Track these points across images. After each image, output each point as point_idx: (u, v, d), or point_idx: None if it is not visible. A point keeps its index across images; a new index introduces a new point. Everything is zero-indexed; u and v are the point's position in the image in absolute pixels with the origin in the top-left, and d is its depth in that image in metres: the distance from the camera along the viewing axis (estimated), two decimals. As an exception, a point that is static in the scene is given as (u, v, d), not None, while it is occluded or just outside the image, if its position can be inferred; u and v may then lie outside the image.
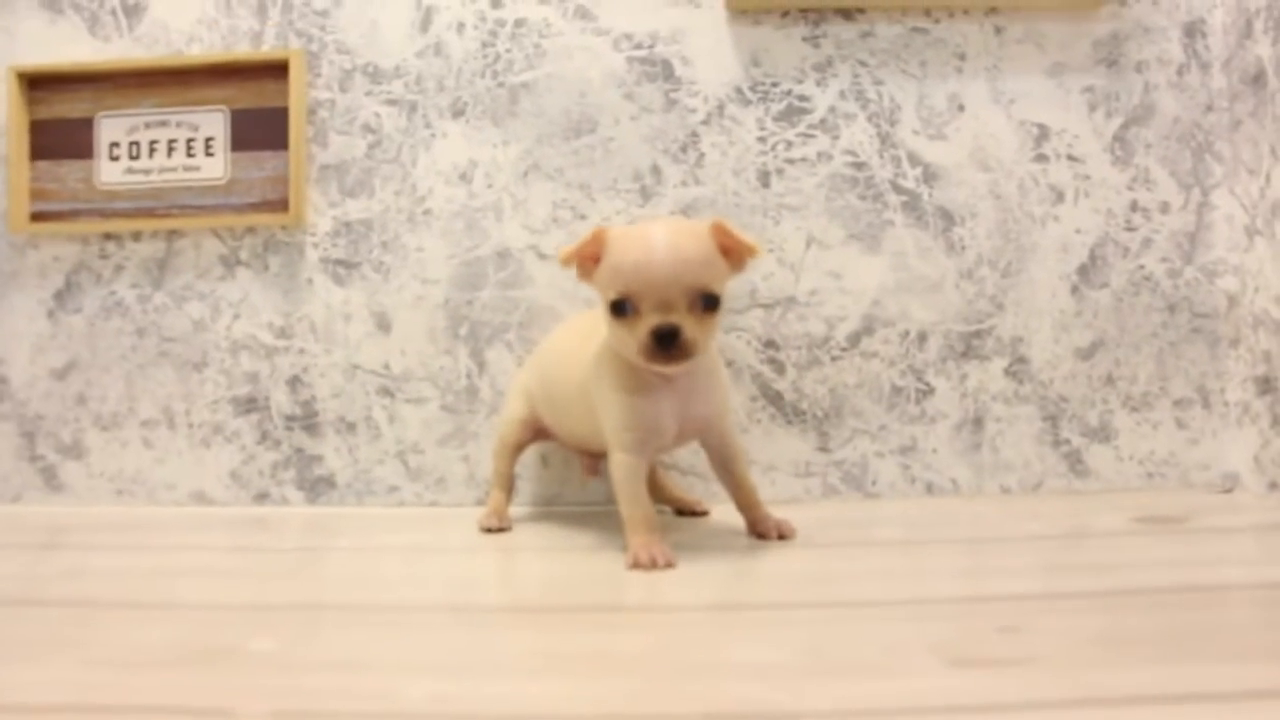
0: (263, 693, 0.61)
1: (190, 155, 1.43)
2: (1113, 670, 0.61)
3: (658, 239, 0.97)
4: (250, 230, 1.42)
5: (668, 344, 0.95)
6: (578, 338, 1.15)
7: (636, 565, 0.95)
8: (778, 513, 1.11)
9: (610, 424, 1.05)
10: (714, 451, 1.12)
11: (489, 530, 1.19)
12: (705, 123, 1.37)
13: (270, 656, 0.69)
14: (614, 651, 0.70)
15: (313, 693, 0.61)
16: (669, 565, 0.95)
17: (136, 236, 1.44)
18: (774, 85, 1.37)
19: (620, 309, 0.98)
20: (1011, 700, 0.57)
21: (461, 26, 1.40)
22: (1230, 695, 0.57)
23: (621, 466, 1.04)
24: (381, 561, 1.06)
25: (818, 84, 1.37)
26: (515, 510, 1.29)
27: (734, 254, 1.01)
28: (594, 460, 1.27)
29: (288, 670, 0.66)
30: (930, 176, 1.36)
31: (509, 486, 1.26)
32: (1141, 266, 1.35)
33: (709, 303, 0.97)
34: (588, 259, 1.03)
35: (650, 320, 0.96)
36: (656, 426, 1.04)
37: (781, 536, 1.08)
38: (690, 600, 0.85)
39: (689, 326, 0.96)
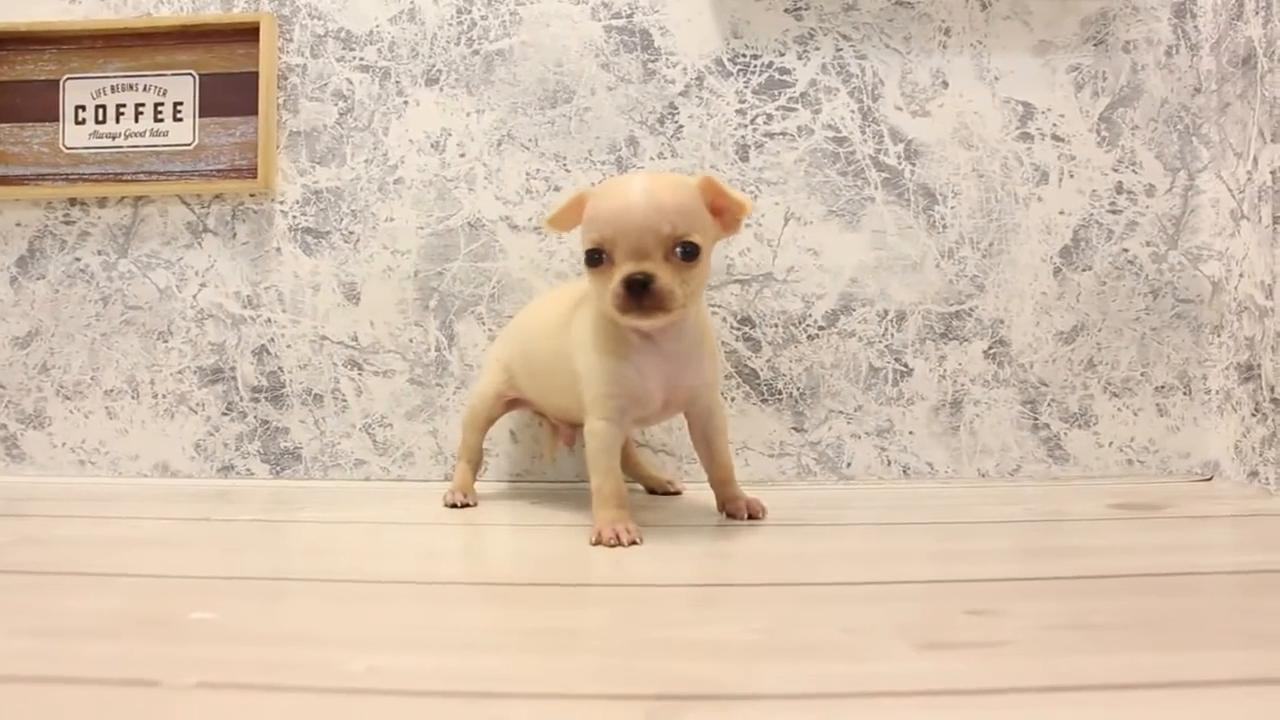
0: (193, 664, 0.59)
1: (158, 120, 1.40)
2: (1084, 656, 0.60)
3: (635, 187, 0.94)
4: (218, 197, 1.39)
5: (639, 292, 0.92)
6: (562, 307, 1.12)
7: (600, 541, 0.93)
8: (750, 493, 1.09)
9: (591, 390, 1.01)
10: (698, 423, 1.09)
11: (453, 506, 1.16)
12: (684, 94, 1.34)
13: (209, 627, 0.67)
14: (569, 628, 0.68)
15: (245, 665, 0.59)
16: (633, 543, 0.93)
17: (102, 202, 1.41)
18: (755, 57, 1.34)
19: (595, 259, 0.95)
20: (978, 685, 0.55)
21: (437, -8, 1.37)
22: (1204, 683, 0.55)
23: (597, 435, 1.01)
24: (342, 535, 1.03)
25: (799, 57, 1.34)
26: (483, 486, 1.27)
27: (724, 213, 0.99)
28: (572, 431, 1.24)
29: (224, 642, 0.64)
30: (912, 153, 1.33)
31: (477, 460, 1.24)
32: (1125, 250, 1.33)
33: (687, 252, 0.94)
34: (571, 225, 1.01)
35: (623, 269, 0.93)
36: (640, 394, 1.01)
37: (752, 516, 1.06)
38: (654, 578, 0.82)
39: (664, 276, 0.92)
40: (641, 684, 0.55)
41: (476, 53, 1.36)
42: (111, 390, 1.40)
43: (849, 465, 1.32)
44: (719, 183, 0.97)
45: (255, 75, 1.37)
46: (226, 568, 0.88)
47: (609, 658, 0.61)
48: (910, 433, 1.32)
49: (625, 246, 0.93)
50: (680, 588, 0.81)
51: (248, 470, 1.38)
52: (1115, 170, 1.33)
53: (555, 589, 0.80)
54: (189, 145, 1.39)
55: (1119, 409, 1.32)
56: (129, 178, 1.39)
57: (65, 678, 0.56)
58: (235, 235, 1.39)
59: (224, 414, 1.38)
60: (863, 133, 1.33)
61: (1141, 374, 1.32)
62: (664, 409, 1.06)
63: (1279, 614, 0.70)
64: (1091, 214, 1.33)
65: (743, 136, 1.34)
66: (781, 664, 0.59)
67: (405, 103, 1.37)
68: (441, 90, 1.37)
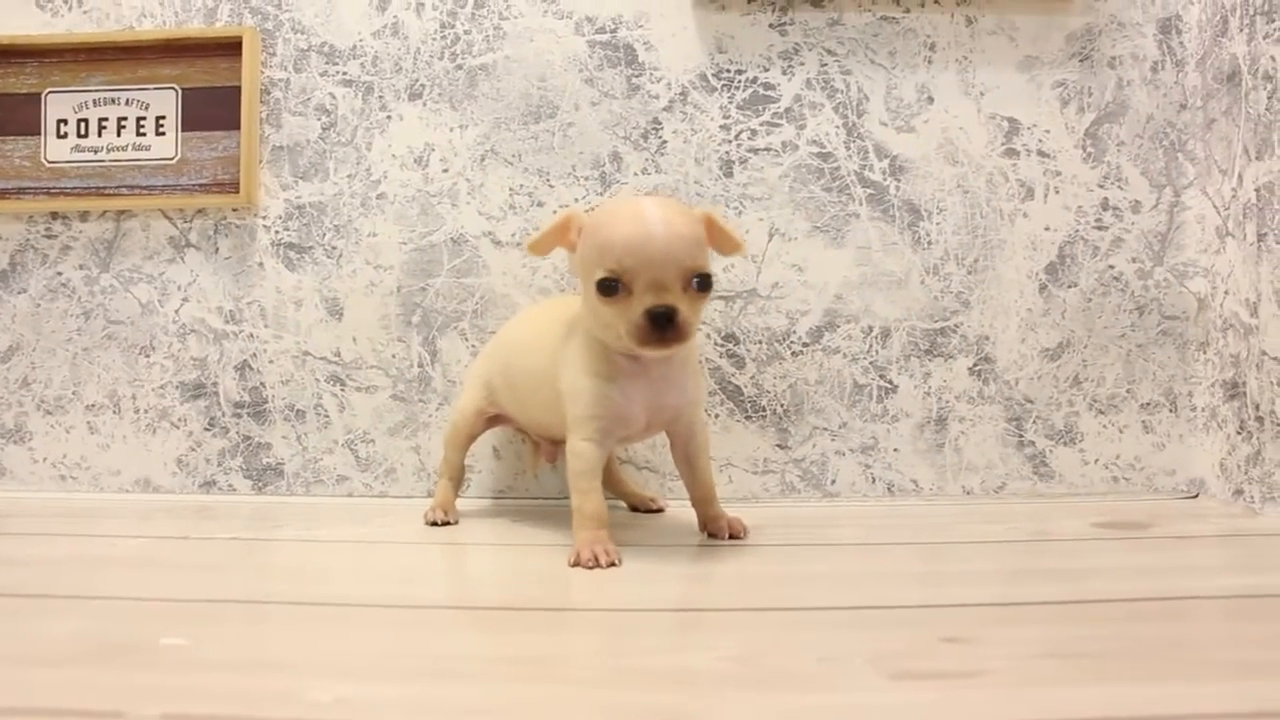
0: (159, 693, 0.58)
1: (140, 134, 1.39)
2: (1062, 687, 0.59)
3: (651, 215, 0.93)
4: (200, 212, 1.38)
5: (663, 326, 0.91)
6: (544, 323, 1.12)
7: (579, 563, 0.92)
8: (733, 510, 1.09)
9: (575, 410, 1.01)
10: (679, 442, 1.08)
11: (434, 524, 1.16)
12: (668, 109, 1.34)
13: (178, 654, 0.66)
14: (541, 655, 0.67)
15: (211, 695, 0.58)
16: (612, 564, 0.92)
17: (84, 216, 1.40)
18: (739, 72, 1.34)
19: (609, 288, 0.93)
20: (949, 718, 0.54)
21: (420, 7, 1.36)
22: (1189, 716, 0.54)
23: (579, 456, 1.00)
24: (321, 555, 1.02)
25: (784, 72, 1.34)
26: (465, 502, 1.27)
27: (711, 245, 0.99)
28: (554, 448, 1.23)
29: (192, 669, 0.63)
30: (897, 169, 1.33)
31: (458, 478, 1.23)
32: (1111, 266, 1.32)
33: (702, 283, 0.94)
34: (567, 246, 1.00)
35: (644, 300, 0.91)
36: (625, 415, 1.00)
37: (733, 536, 1.05)
38: (630, 602, 0.82)
39: (683, 308, 0.92)
40: (611, 714, 0.55)
41: (460, 67, 1.36)
42: (93, 405, 1.39)
43: (833, 482, 1.32)
44: (719, 221, 0.98)
45: (238, 90, 1.36)
46: (202, 590, 0.87)
47: (578, 687, 0.60)
48: (895, 450, 1.32)
49: (646, 278, 0.92)
50: (655, 613, 0.80)
51: (230, 486, 1.37)
52: (1101, 186, 1.33)
53: (531, 613, 0.79)
54: (171, 159, 1.38)
55: (1104, 426, 1.32)
56: (111, 192, 1.39)
57: (26, 709, 0.55)
58: (218, 250, 1.38)
59: (206, 429, 1.38)
60: (847, 148, 1.33)
61: (1127, 391, 1.32)
62: (647, 429, 1.05)
63: (1268, 642, 0.69)
64: (1077, 230, 1.32)
65: (727, 152, 1.33)
66: (751, 694, 0.58)
67: (388, 117, 1.36)
68: (425, 105, 1.36)
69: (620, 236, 0.93)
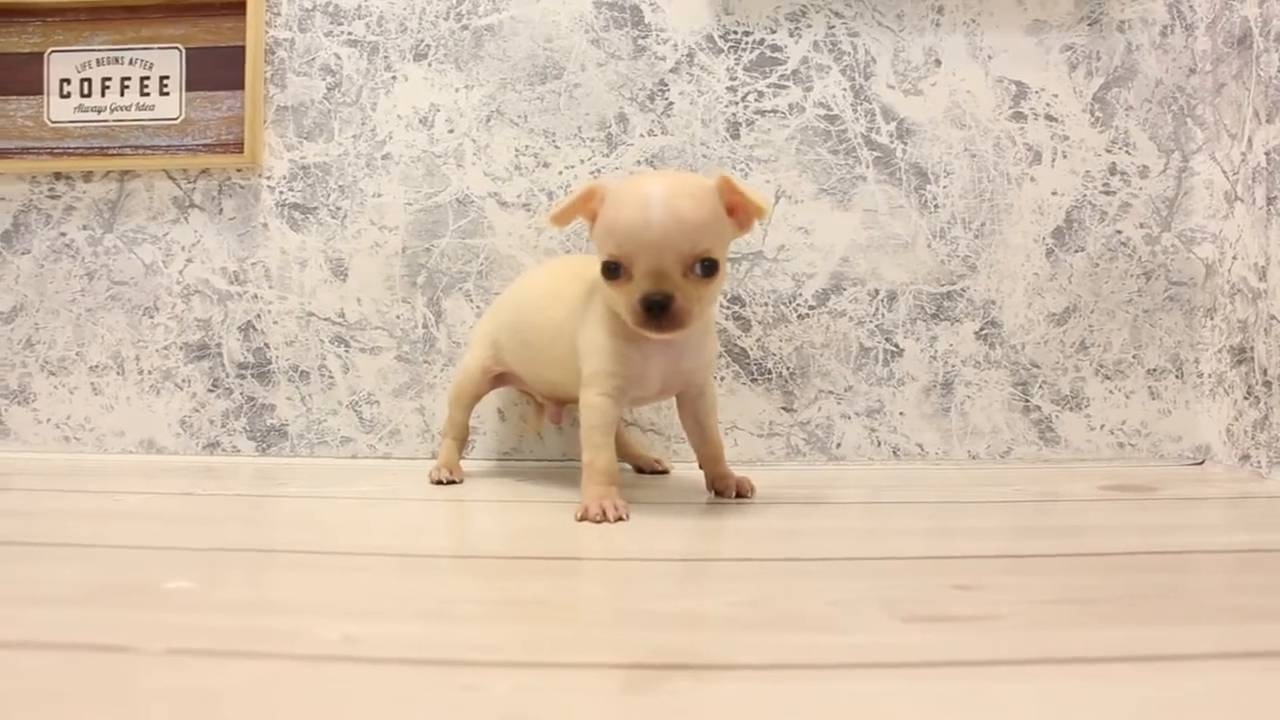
0: (166, 631, 0.57)
1: (144, 94, 1.38)
2: (1072, 630, 0.59)
3: (654, 198, 0.91)
4: (205, 172, 1.38)
5: (658, 314, 0.91)
6: (561, 280, 1.11)
7: (586, 517, 0.92)
8: (739, 473, 1.08)
9: (593, 366, 1.00)
10: (689, 403, 1.08)
11: (438, 482, 1.16)
12: (674, 71, 1.33)
13: (184, 595, 0.66)
14: (549, 599, 0.67)
15: (218, 632, 0.58)
16: (620, 519, 0.92)
17: (87, 176, 1.39)
18: (746, 34, 1.33)
19: (612, 271, 0.93)
20: (963, 657, 0.54)
21: (426, -34, 1.36)
22: (1191, 656, 0.54)
23: (595, 410, 1.00)
24: (325, 510, 1.02)
25: (791, 34, 1.33)
26: (470, 464, 1.27)
27: (739, 211, 0.97)
28: (558, 409, 1.23)
29: (198, 609, 0.63)
30: (904, 132, 1.32)
31: (463, 437, 1.23)
32: (1118, 231, 1.32)
33: (706, 268, 0.92)
34: (588, 216, 0.99)
35: (642, 286, 0.91)
36: (642, 376, 1.00)
37: (740, 494, 1.05)
38: (638, 552, 0.81)
39: (683, 294, 0.91)
40: (620, 654, 0.54)
41: (465, 28, 1.35)
42: (97, 366, 1.39)
43: (839, 446, 1.31)
44: (735, 182, 0.95)
45: (242, 49, 1.36)
46: (207, 540, 0.87)
47: (588, 628, 0.60)
48: (901, 413, 1.31)
49: (644, 264, 0.91)
50: (664, 562, 0.80)
51: (233, 447, 1.37)
52: (1109, 151, 1.32)
53: (538, 562, 0.79)
54: (175, 119, 1.38)
55: (1110, 391, 1.31)
56: (115, 152, 1.38)
57: (34, 643, 0.55)
58: (222, 210, 1.37)
59: (210, 390, 1.37)
60: (854, 111, 1.32)
61: (1133, 357, 1.31)
62: (661, 392, 1.05)
63: (1267, 590, 0.70)
64: (1084, 195, 1.32)
65: (734, 114, 1.33)
66: (762, 635, 0.58)
67: (393, 78, 1.36)
68: (430, 65, 1.35)
69: (622, 220, 0.92)
